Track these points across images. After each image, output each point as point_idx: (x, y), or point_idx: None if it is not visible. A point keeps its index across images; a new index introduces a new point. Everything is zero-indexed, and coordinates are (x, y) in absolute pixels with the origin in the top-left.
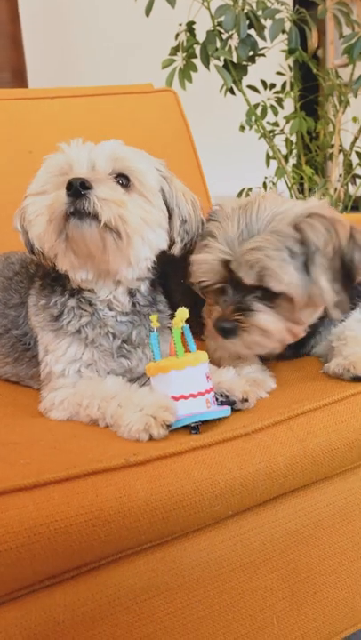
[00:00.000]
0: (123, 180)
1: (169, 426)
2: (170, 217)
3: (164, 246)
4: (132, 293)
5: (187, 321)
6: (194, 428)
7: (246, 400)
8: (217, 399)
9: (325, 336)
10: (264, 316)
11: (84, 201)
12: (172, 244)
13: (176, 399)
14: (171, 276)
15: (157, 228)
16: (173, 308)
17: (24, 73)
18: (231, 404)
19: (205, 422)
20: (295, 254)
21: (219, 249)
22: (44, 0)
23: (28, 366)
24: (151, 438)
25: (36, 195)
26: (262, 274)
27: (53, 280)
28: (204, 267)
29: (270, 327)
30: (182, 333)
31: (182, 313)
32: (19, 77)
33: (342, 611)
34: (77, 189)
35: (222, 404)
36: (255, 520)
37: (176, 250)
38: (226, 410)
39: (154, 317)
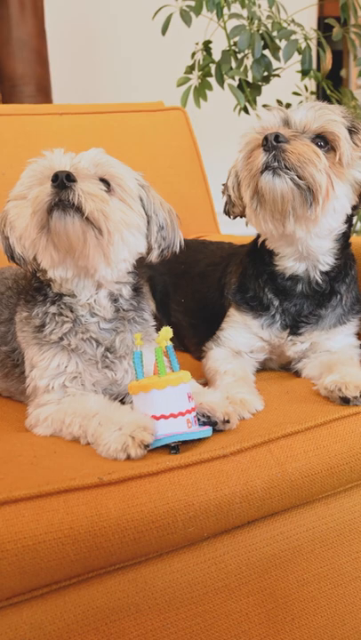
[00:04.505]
0: (104, 184)
1: (147, 446)
2: (148, 223)
3: (142, 250)
4: (114, 298)
5: (182, 342)
6: (174, 448)
7: (228, 421)
8: (199, 419)
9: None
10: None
11: (68, 192)
12: (149, 250)
13: (157, 418)
14: (171, 295)
15: (136, 232)
16: (172, 326)
17: (48, 87)
18: (213, 424)
19: (185, 442)
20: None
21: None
22: (69, 16)
23: (18, 382)
24: (129, 458)
25: (18, 199)
26: (327, 119)
27: (35, 290)
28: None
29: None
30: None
31: (166, 332)
32: (43, 92)
33: (321, 639)
34: (62, 181)
35: (204, 424)
36: (231, 543)
37: (153, 256)
38: (207, 430)
39: (137, 336)
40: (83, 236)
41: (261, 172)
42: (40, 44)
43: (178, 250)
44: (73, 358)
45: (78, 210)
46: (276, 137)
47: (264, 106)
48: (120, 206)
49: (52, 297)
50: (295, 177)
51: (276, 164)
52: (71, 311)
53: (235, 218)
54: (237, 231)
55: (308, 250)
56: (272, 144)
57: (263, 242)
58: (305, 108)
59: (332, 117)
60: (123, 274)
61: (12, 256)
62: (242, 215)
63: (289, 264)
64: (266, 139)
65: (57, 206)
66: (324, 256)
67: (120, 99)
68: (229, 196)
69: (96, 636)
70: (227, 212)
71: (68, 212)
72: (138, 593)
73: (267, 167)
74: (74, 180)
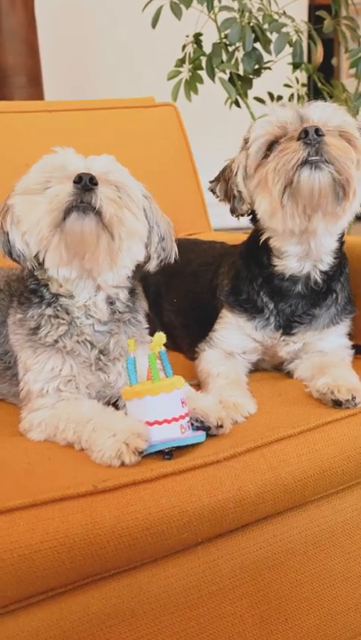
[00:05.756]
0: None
1: (141, 452)
2: (149, 233)
3: (142, 259)
4: (111, 301)
5: (175, 342)
6: (168, 454)
7: (221, 426)
8: (192, 424)
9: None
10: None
11: (91, 195)
12: (147, 260)
13: (150, 424)
14: (164, 295)
15: (139, 241)
16: (164, 326)
17: (39, 78)
18: (206, 429)
19: (179, 448)
20: None
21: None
22: (60, 6)
23: (10, 384)
24: (123, 464)
25: (25, 194)
26: (343, 119)
27: (31, 292)
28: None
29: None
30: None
31: (159, 338)
32: (34, 82)
33: (313, 638)
34: (87, 183)
35: (198, 429)
36: (225, 547)
37: (152, 266)
38: (200, 435)
39: (131, 342)
40: (97, 240)
41: (300, 166)
42: (31, 35)
43: (173, 261)
44: (67, 361)
45: (96, 213)
46: (317, 130)
47: (256, 98)
48: (129, 215)
49: (49, 299)
50: (334, 171)
51: (317, 157)
52: (67, 313)
53: (239, 216)
54: (228, 222)
55: (317, 248)
56: (313, 137)
57: (264, 241)
58: (319, 107)
59: (347, 118)
60: (123, 279)
61: (9, 252)
62: (248, 213)
63: (292, 264)
64: (306, 132)
65: (77, 208)
66: (327, 255)
67: (111, 89)
68: (240, 192)
69: None
70: (233, 211)
71: (88, 214)
72: (133, 598)
73: (306, 161)
74: (96, 184)
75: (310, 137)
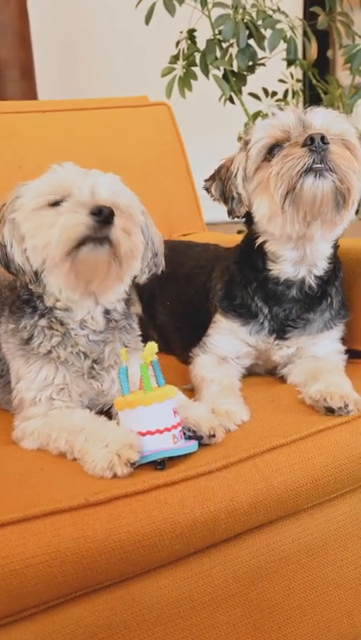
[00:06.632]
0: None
1: (133, 464)
2: (144, 249)
3: (137, 273)
4: (107, 312)
5: (169, 345)
6: (160, 464)
7: (213, 436)
8: (185, 434)
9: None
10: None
11: (110, 228)
12: (139, 273)
13: (142, 434)
14: (158, 298)
15: (139, 259)
16: (158, 329)
17: (32, 72)
18: (199, 439)
19: (172, 458)
20: None
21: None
22: None
23: (3, 392)
24: (115, 476)
25: (30, 211)
26: (345, 127)
27: (23, 302)
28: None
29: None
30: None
31: (151, 347)
32: (27, 76)
33: None
34: (108, 218)
35: (190, 438)
36: (218, 557)
37: (142, 279)
38: (193, 445)
39: (123, 352)
40: (108, 268)
41: (305, 173)
42: (23, 28)
43: (160, 273)
44: (60, 370)
45: (110, 244)
46: (323, 138)
47: (250, 94)
48: (135, 239)
49: (42, 309)
50: (336, 180)
51: (321, 165)
52: (61, 324)
53: (235, 218)
54: (221, 217)
55: (312, 254)
56: (319, 144)
57: (259, 245)
58: (321, 113)
59: (348, 127)
60: (121, 294)
61: (6, 264)
62: (244, 215)
63: (287, 268)
64: (312, 139)
65: (94, 240)
66: (322, 260)
67: (105, 83)
68: (239, 194)
69: None
70: (231, 212)
71: (104, 245)
72: (126, 610)
73: (311, 168)
74: (113, 216)
75: (316, 144)
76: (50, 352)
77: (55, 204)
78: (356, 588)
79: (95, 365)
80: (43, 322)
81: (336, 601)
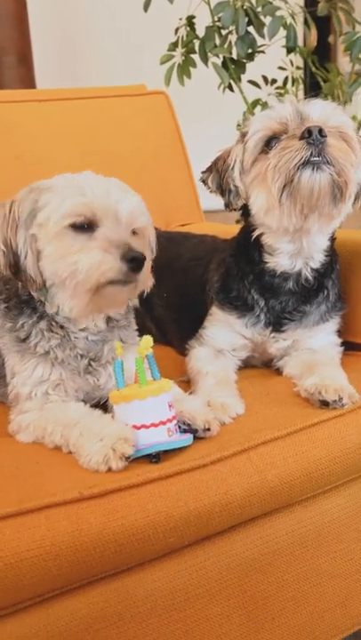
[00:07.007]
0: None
1: (128, 458)
2: None
3: None
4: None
5: (166, 336)
6: (155, 457)
7: (208, 429)
8: (180, 427)
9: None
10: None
11: (140, 273)
12: None
13: (137, 428)
14: (155, 289)
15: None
16: (155, 321)
17: (30, 58)
18: (193, 432)
19: (166, 451)
20: None
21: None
22: None
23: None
24: (110, 470)
25: (53, 231)
26: (342, 120)
27: (23, 302)
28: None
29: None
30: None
31: (147, 341)
32: (24, 62)
33: (300, 636)
34: (140, 265)
35: (185, 431)
36: (212, 549)
37: None
38: (187, 439)
39: (118, 345)
40: (126, 300)
41: (303, 166)
42: (20, 13)
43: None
44: (57, 369)
45: (135, 283)
46: (320, 131)
47: (250, 82)
48: (147, 264)
49: (42, 311)
50: (334, 173)
51: (318, 158)
52: (62, 328)
53: (232, 211)
54: (220, 205)
55: (309, 247)
56: (317, 137)
57: (256, 237)
58: (319, 104)
59: (345, 119)
60: None
61: (15, 272)
62: (241, 207)
63: (283, 261)
64: (310, 131)
65: (122, 282)
66: (318, 253)
67: (103, 70)
68: (236, 187)
69: None
70: (228, 205)
71: (128, 284)
72: (120, 602)
73: (308, 161)
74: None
75: (314, 137)
76: (47, 352)
77: (80, 226)
78: (350, 579)
79: (93, 363)
80: (42, 324)
81: (330, 592)
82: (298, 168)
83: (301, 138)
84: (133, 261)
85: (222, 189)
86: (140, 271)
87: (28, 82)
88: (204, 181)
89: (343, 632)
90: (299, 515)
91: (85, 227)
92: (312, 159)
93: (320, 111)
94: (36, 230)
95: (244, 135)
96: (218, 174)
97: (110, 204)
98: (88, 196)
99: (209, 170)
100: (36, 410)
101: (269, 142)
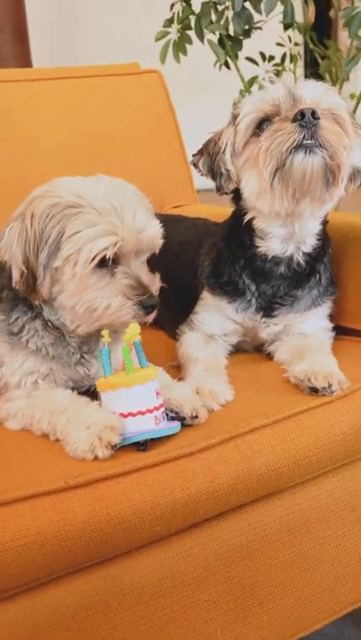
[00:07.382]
0: None
1: (114, 446)
2: None
3: None
4: None
5: (158, 320)
6: (142, 445)
7: (196, 417)
8: (167, 415)
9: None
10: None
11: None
12: None
13: (125, 416)
14: None
15: None
16: None
17: (25, 34)
18: (181, 420)
19: (154, 439)
20: None
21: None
22: None
23: None
24: (97, 458)
25: (66, 261)
26: (335, 101)
27: (17, 297)
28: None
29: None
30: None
31: (133, 329)
32: (20, 38)
33: (288, 620)
34: (155, 307)
35: (172, 419)
36: (199, 537)
37: None
38: (175, 427)
39: (105, 332)
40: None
41: (295, 149)
42: None
43: None
44: (47, 362)
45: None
46: (313, 113)
47: (247, 59)
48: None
49: (39, 310)
50: (326, 156)
51: (311, 141)
52: (57, 329)
53: (223, 194)
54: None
55: (301, 231)
56: (310, 120)
57: (247, 222)
58: (312, 86)
59: (338, 100)
60: None
61: (25, 284)
62: (233, 191)
63: (275, 245)
64: (303, 114)
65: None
66: (310, 237)
67: (98, 45)
68: (228, 170)
69: (66, 632)
70: (219, 189)
71: (148, 311)
72: (107, 590)
73: (301, 144)
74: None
75: (306, 119)
76: (39, 349)
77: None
78: (338, 565)
79: (85, 355)
80: (37, 323)
81: (318, 577)
82: (290, 151)
83: (294, 120)
84: (150, 308)
85: (213, 173)
86: (153, 312)
87: (24, 59)
88: (195, 164)
89: (331, 616)
90: (287, 501)
91: (108, 261)
92: (305, 142)
93: (313, 92)
94: (60, 263)
95: (235, 117)
96: (209, 157)
97: (135, 237)
98: (120, 234)
99: (200, 152)
100: (23, 397)
101: (261, 124)
